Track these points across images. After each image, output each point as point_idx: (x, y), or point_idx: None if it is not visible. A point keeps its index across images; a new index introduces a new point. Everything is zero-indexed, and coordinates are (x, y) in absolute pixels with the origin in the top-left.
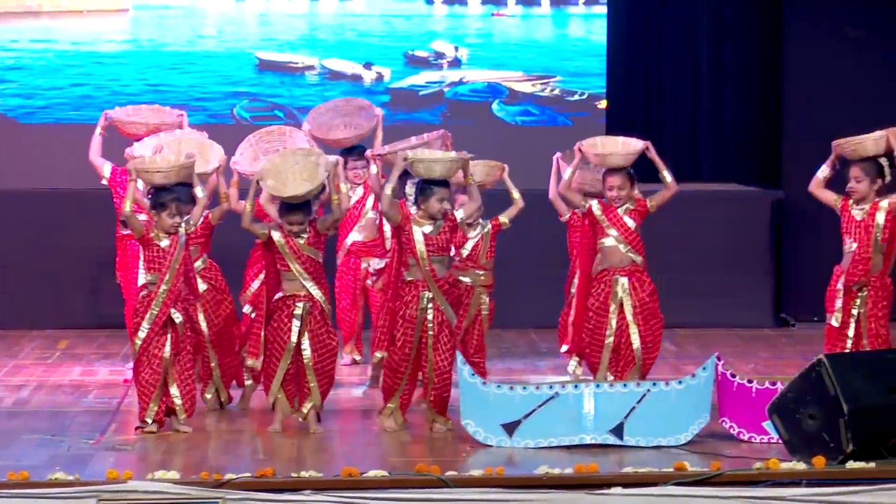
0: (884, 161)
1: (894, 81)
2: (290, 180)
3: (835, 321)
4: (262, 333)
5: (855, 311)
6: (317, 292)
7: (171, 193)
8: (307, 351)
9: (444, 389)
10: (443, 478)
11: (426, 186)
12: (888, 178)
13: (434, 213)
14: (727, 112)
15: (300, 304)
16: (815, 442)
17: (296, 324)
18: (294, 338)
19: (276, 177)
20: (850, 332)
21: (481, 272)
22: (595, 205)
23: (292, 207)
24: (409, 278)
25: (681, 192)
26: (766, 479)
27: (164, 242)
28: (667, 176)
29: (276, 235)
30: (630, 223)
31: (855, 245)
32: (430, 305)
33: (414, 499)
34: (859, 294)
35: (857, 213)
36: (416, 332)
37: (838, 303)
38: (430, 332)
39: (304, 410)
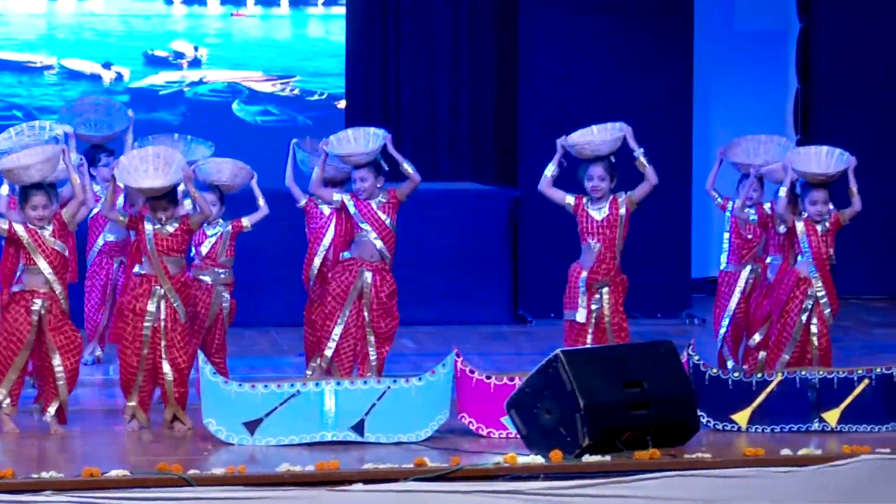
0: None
1: (625, 80)
2: (21, 157)
3: (580, 317)
4: None
5: (595, 307)
6: (58, 288)
7: None
8: (54, 350)
9: (181, 386)
10: (185, 476)
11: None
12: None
13: (155, 218)
14: (464, 112)
15: (38, 301)
16: (553, 436)
17: (34, 320)
18: (32, 335)
19: (10, 159)
20: (591, 329)
21: (221, 270)
22: (347, 199)
23: (31, 190)
24: (142, 272)
25: (420, 192)
26: (504, 474)
27: None
28: (408, 168)
29: (20, 229)
30: (384, 217)
31: (599, 245)
32: (163, 301)
33: (156, 498)
34: (600, 291)
35: (596, 212)
36: (150, 326)
37: (582, 300)
38: (163, 328)
39: (51, 410)
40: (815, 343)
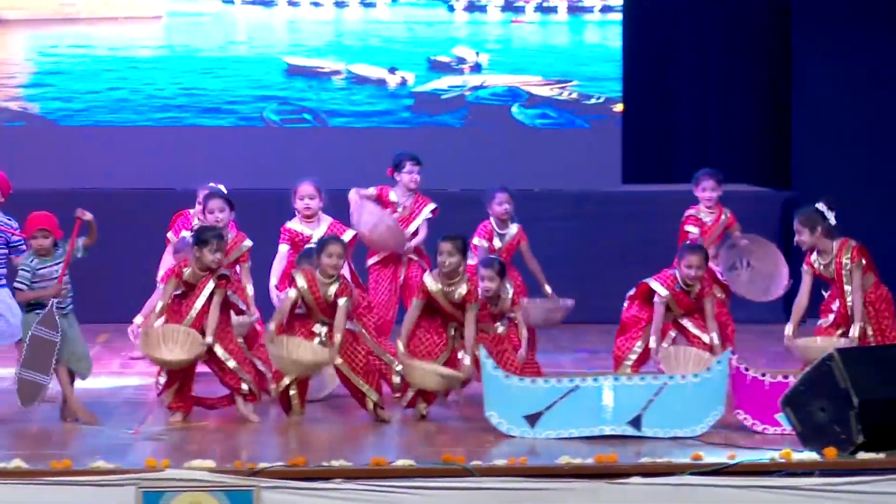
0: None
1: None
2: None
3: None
4: None
5: None
6: None
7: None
8: None
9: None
10: (467, 467)
11: None
12: None
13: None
14: (737, 114)
15: None
16: (827, 433)
17: None
18: None
19: None
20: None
21: None
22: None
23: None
24: None
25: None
26: (780, 469)
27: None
28: None
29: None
30: None
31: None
32: None
33: (440, 487)
34: None
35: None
36: None
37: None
38: None
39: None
40: None
